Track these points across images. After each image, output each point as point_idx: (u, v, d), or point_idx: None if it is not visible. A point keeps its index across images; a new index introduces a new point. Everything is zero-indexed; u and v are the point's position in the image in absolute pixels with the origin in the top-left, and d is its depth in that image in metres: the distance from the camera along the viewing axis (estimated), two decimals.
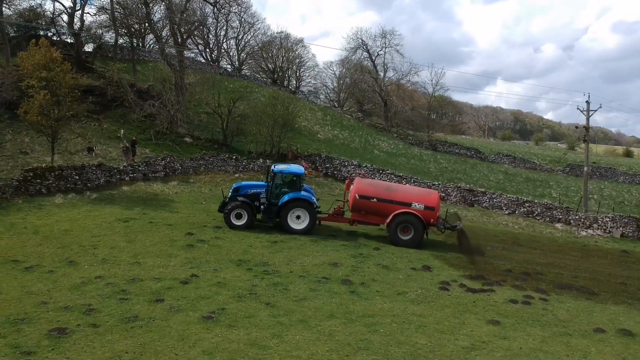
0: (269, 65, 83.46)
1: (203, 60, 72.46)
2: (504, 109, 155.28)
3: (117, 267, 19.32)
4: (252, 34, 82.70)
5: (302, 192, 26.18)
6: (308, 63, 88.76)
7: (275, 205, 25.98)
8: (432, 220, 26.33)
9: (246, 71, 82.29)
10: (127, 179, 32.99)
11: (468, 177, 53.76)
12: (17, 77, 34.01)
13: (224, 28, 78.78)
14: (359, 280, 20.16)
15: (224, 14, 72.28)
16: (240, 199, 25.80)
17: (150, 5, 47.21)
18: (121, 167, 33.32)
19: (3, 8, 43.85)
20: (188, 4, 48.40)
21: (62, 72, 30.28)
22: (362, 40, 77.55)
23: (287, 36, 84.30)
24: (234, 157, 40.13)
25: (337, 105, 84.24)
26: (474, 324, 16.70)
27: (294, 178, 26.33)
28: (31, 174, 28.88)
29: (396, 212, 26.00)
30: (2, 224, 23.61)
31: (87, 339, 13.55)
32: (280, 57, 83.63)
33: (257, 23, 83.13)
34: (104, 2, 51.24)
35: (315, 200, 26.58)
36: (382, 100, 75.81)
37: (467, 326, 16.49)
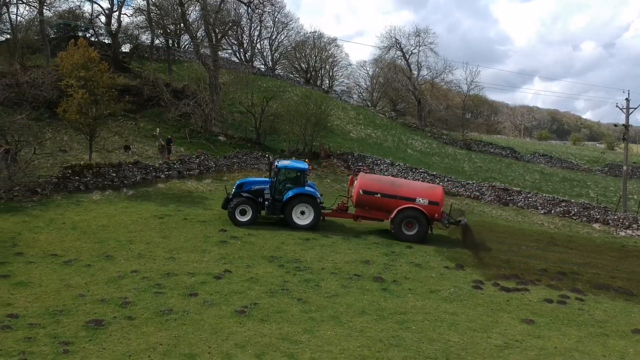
0: (302, 64, 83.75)
1: (237, 60, 73.08)
2: (541, 109, 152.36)
3: (153, 262, 19.66)
4: (285, 34, 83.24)
5: (307, 188, 26.05)
6: (341, 62, 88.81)
7: (280, 201, 25.86)
8: (436, 215, 26.13)
9: (279, 71, 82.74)
10: (162, 176, 33.52)
11: (503, 176, 53.02)
12: (57, 76, 34.87)
13: (258, 28, 79.52)
14: (391, 277, 20.11)
15: (258, 15, 73.13)
16: (244, 195, 25.68)
17: (186, 5, 47.85)
18: (157, 165, 33.89)
19: (44, 10, 44.93)
20: (222, 4, 48.92)
21: (99, 71, 30.96)
22: (395, 39, 77.17)
23: (321, 35, 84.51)
24: (266, 154, 40.41)
25: (370, 105, 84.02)
26: (508, 323, 16.51)
27: (298, 174, 26.23)
28: (70, 172, 29.57)
29: (400, 207, 25.77)
30: (41, 220, 24.22)
31: (123, 330, 13.84)
32: (313, 57, 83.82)
33: (290, 23, 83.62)
34: (141, 4, 52.16)
35: (319, 195, 26.37)
36: (415, 99, 75.30)
37: (501, 325, 16.31)
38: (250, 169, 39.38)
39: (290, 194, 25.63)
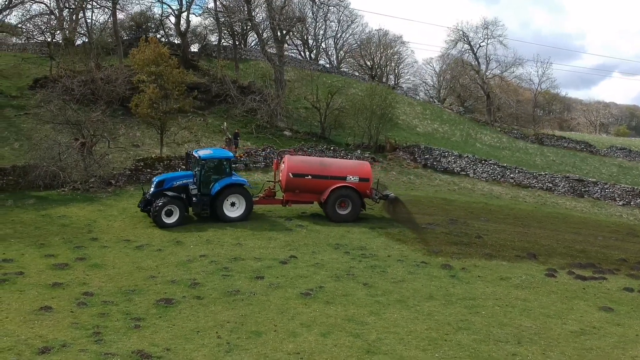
0: (367, 62, 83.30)
1: (301, 58, 73.55)
2: (618, 104, 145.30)
3: (220, 247, 19.99)
4: (350, 32, 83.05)
5: (234, 177, 24.29)
6: (407, 60, 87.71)
7: (207, 195, 23.55)
8: (367, 191, 25.42)
9: (344, 68, 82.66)
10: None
11: (577, 170, 50.86)
12: (129, 73, 36.16)
13: (323, 27, 79.73)
14: (460, 265, 19.63)
15: (324, 12, 73.50)
16: (169, 194, 22.74)
17: (252, 3, 48.57)
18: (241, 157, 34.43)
19: (117, 12, 46.73)
20: (287, 1, 49.37)
21: (169, 66, 31.80)
22: (463, 32, 75.40)
23: (386, 33, 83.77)
24: (331, 148, 40.41)
25: (437, 102, 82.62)
26: (584, 310, 15.77)
27: (224, 163, 24.07)
28: (142, 164, 30.56)
29: (332, 187, 24.90)
30: (115, 209, 25.08)
31: (192, 309, 14.11)
32: (378, 55, 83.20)
33: (356, 20, 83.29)
34: (209, 5, 53.37)
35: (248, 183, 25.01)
36: (484, 93, 73.39)
37: (576, 312, 15.60)
38: None
39: (218, 186, 23.47)
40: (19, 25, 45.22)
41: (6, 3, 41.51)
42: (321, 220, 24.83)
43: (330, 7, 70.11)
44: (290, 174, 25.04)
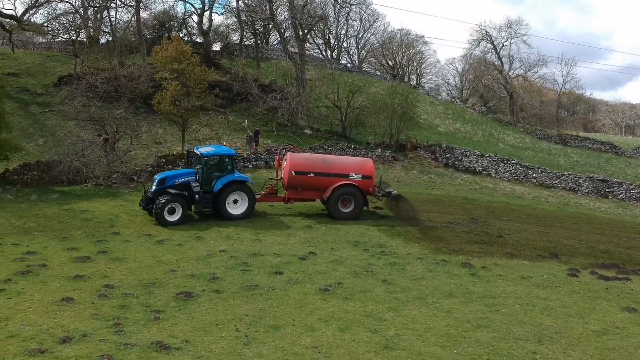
0: (389, 62, 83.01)
1: (323, 58, 73.56)
2: None
3: (240, 243, 20.07)
4: (372, 31, 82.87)
5: (236, 174, 23.96)
6: (429, 60, 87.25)
7: (210, 193, 23.23)
8: (370, 189, 25.17)
9: (366, 68, 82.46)
10: (250, 166, 34.24)
11: (602, 170, 50.08)
12: (152, 72, 36.52)
13: (344, 27, 79.65)
14: (480, 264, 19.47)
15: (346, 12, 73.44)
16: (172, 191, 22.35)
17: (274, 2, 48.71)
18: (244, 155, 34.64)
19: (140, 10, 47.21)
20: (309, 0, 49.45)
21: (191, 64, 32.05)
22: (485, 31, 74.68)
23: (408, 33, 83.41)
24: (352, 146, 40.34)
25: (459, 102, 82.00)
26: (607, 310, 15.54)
27: (226, 159, 23.85)
28: (164, 160, 30.83)
29: (335, 185, 24.60)
30: (137, 204, 25.15)
31: (211, 302, 14.19)
32: (400, 54, 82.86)
33: (378, 19, 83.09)
34: (231, 2, 53.66)
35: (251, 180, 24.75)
36: (507, 93, 72.62)
37: (599, 311, 15.37)
38: None
39: (220, 184, 23.19)
40: (45, 24, 46.01)
41: (32, 2, 42.24)
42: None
43: (352, 6, 70.21)
44: (293, 172, 24.72)
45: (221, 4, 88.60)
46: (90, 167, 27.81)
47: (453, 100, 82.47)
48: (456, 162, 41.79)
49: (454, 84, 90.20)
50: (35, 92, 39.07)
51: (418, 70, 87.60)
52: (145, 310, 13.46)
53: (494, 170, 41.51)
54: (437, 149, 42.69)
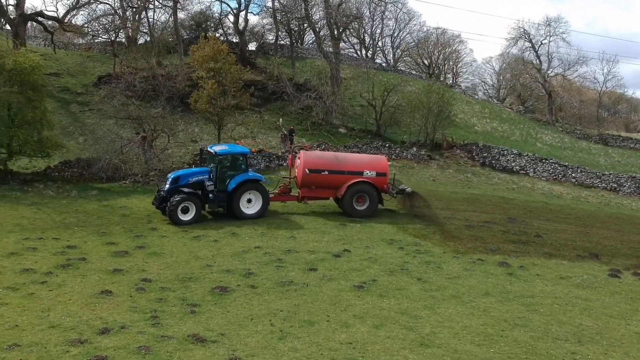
0: (424, 61, 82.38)
1: (357, 57, 73.41)
2: None
3: (275, 240, 20.15)
4: (407, 30, 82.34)
5: (250, 173, 23.59)
6: (465, 59, 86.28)
7: (224, 192, 22.88)
8: (384, 186, 24.84)
9: (401, 67, 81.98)
10: (284, 164, 34.37)
11: None
12: (189, 72, 37.00)
13: (380, 26, 79.33)
14: (518, 263, 19.13)
15: (381, 11, 73.13)
16: (185, 190, 22.03)
17: (309, 1, 48.86)
18: (279, 154, 34.81)
19: (177, 11, 47.93)
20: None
21: (227, 63, 32.35)
22: (524, 29, 73.33)
23: (444, 32, 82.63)
24: (387, 144, 40.14)
25: (496, 101, 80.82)
26: None
27: (240, 159, 23.40)
28: (199, 158, 31.10)
29: (349, 182, 24.32)
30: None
31: (246, 297, 14.27)
32: (436, 53, 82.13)
33: (413, 18, 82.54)
34: (267, 1, 54.02)
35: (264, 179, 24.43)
36: (545, 92, 71.24)
37: None
38: None
39: (234, 182, 22.81)
40: (85, 25, 47.04)
41: (74, 4, 43.23)
42: (375, 217, 24.67)
43: (387, 5, 69.89)
44: (307, 170, 24.55)
45: (257, 4, 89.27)
46: (129, 164, 28.35)
47: (490, 99, 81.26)
48: (493, 161, 41.21)
49: (491, 83, 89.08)
50: (75, 92, 40.03)
51: (454, 69, 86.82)
52: (182, 303, 13.61)
53: (532, 170, 40.80)
54: (474, 148, 42.17)
